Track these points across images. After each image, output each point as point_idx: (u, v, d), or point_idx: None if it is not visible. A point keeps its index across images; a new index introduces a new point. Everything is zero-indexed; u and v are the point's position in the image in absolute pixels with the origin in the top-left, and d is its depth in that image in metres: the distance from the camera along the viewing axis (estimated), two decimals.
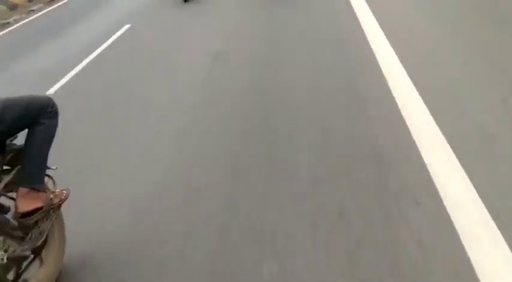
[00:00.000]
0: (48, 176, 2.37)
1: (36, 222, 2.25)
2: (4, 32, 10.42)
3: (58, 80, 5.85)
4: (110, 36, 7.49)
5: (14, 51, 8.17)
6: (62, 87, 5.62)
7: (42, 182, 2.26)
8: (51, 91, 5.48)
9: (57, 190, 2.39)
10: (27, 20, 11.29)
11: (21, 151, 2.23)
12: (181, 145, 3.54)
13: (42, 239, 2.27)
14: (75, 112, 4.63)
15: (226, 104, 4.07)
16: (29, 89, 4.46)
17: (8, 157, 2.21)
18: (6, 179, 2.18)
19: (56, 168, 2.37)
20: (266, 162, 2.99)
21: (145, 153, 3.57)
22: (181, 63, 5.51)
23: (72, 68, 6.22)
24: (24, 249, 2.17)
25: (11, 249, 2.13)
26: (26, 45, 8.46)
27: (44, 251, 2.36)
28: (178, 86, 4.80)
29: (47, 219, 2.31)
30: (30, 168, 2.20)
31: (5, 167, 2.21)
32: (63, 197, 2.38)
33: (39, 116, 2.21)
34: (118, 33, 7.59)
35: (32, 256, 2.28)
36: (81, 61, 6.47)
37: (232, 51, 5.45)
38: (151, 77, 5.28)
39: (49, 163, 2.30)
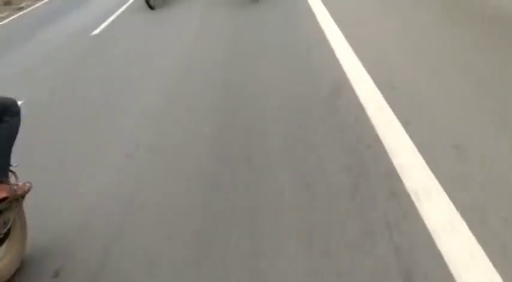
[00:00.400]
0: (11, 171, 2.57)
1: (0, 212, 2.43)
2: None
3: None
4: None
5: None
6: None
7: (6, 175, 2.46)
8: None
9: (20, 183, 2.58)
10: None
11: None
12: None
13: (6, 229, 2.46)
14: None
15: None
16: None
17: None
18: None
19: (17, 165, 2.57)
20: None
21: None
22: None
23: None
24: None
25: None
26: None
27: (6, 241, 2.53)
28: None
29: (10, 210, 2.50)
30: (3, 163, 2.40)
31: None
32: (26, 189, 2.58)
33: (2, 114, 2.41)
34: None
35: None
36: None
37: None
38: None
39: None
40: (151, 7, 8.91)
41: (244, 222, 2.39)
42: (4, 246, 2.51)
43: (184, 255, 2.28)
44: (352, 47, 4.32)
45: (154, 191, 2.93)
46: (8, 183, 2.46)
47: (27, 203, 2.65)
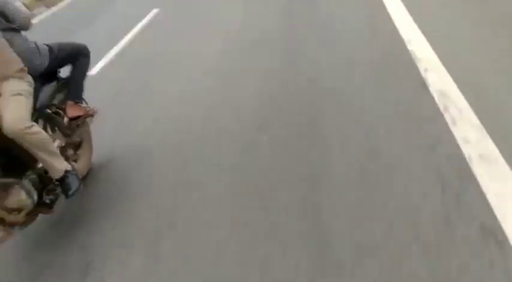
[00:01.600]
0: (83, 99, 3.54)
1: (77, 126, 3.43)
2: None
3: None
4: None
5: None
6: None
7: (82, 99, 3.44)
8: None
9: (90, 107, 3.56)
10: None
11: (67, 79, 3.40)
12: None
13: (79, 139, 3.46)
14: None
15: None
16: None
17: (60, 83, 3.38)
18: (61, 96, 3.35)
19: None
20: None
21: None
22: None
23: None
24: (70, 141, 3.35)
25: (59, 142, 3.29)
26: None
27: (80, 149, 3.53)
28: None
29: (83, 126, 3.49)
30: (74, 89, 3.37)
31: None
32: (94, 111, 3.55)
33: (78, 55, 3.37)
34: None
35: (73, 152, 3.45)
36: None
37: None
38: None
39: None
40: None
41: None
42: (79, 152, 3.51)
43: None
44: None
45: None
46: (83, 104, 3.44)
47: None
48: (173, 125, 3.93)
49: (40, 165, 2.87)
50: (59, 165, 2.81)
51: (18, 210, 2.68)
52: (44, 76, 3.16)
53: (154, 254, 2.50)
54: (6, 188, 2.59)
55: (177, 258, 2.42)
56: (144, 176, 3.33)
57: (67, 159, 3.09)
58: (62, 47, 3.29)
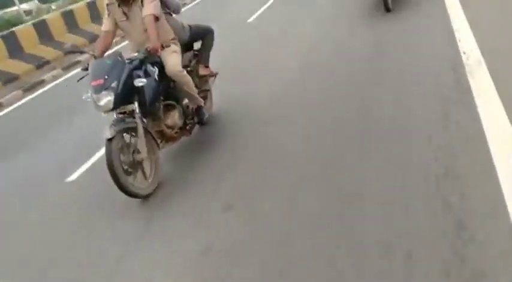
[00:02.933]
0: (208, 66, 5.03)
1: (205, 81, 4.92)
2: None
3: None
4: None
5: None
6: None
7: (208, 63, 4.94)
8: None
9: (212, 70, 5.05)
10: None
11: (198, 50, 4.91)
12: None
13: (207, 89, 4.95)
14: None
15: None
16: None
17: (194, 52, 4.90)
18: (194, 61, 4.85)
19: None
20: None
21: None
22: None
23: None
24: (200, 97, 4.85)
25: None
26: None
27: (207, 99, 5.01)
28: None
29: (208, 82, 4.98)
30: (204, 56, 4.88)
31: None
32: (216, 73, 5.04)
33: (207, 34, 4.87)
34: None
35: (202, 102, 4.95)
36: None
37: None
38: None
39: None
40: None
41: None
42: (207, 101, 4.99)
43: None
44: None
45: None
46: (208, 66, 4.95)
47: None
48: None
49: (184, 101, 4.38)
50: (198, 98, 4.30)
51: (172, 127, 4.19)
52: (184, 46, 4.68)
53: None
54: (168, 109, 4.12)
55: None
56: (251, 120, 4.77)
57: None
58: (197, 27, 4.83)
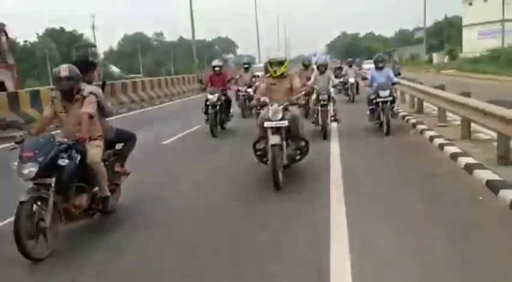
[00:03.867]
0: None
1: (118, 177, 5.67)
2: None
3: None
4: None
5: None
6: None
7: (124, 163, 5.75)
8: None
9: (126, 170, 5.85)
10: None
11: (119, 150, 5.75)
12: None
13: (117, 183, 5.69)
14: None
15: None
16: None
17: (115, 151, 5.72)
18: (113, 158, 5.65)
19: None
20: None
21: None
22: None
23: None
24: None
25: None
26: None
27: (115, 193, 5.72)
28: None
29: (120, 178, 5.74)
30: (122, 156, 5.72)
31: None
32: (128, 173, 5.83)
33: (131, 138, 5.78)
34: None
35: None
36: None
37: None
38: None
39: None
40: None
41: None
42: (116, 193, 5.68)
43: None
44: None
45: None
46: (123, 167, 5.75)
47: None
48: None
49: (95, 189, 5.07)
50: (106, 189, 5.03)
51: (78, 207, 4.82)
52: (107, 144, 5.51)
53: None
54: (79, 191, 4.79)
55: None
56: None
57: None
58: (122, 131, 5.75)
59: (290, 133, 6.48)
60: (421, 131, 9.89)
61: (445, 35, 68.53)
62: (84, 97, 4.95)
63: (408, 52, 73.16)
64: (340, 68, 19.17)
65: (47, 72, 46.82)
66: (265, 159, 6.39)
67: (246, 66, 14.67)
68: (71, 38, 69.06)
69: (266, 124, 6.17)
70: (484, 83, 20.83)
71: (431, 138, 8.89)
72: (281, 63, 6.83)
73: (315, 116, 10.23)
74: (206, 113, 11.07)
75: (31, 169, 4.27)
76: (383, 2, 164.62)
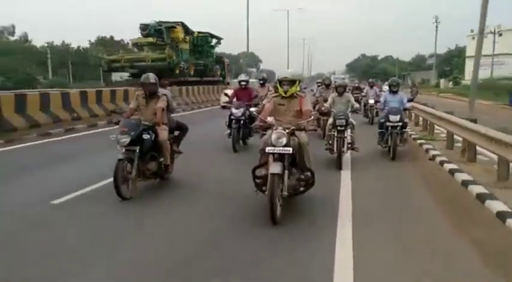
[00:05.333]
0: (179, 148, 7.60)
1: (174, 154, 7.41)
2: None
3: None
4: None
5: None
6: None
7: (179, 145, 7.50)
8: None
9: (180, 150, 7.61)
10: None
11: (176, 135, 7.49)
12: None
13: (173, 159, 7.44)
14: None
15: None
16: None
17: (174, 136, 7.48)
18: (172, 140, 7.41)
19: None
20: None
21: None
22: None
23: None
24: None
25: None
26: None
27: (170, 165, 7.48)
28: None
29: (174, 155, 7.49)
30: (178, 140, 7.48)
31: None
32: (181, 152, 7.58)
33: (184, 129, 7.53)
34: None
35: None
36: None
37: None
38: None
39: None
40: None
41: None
42: (171, 166, 7.42)
43: None
44: None
45: None
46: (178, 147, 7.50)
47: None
48: None
49: (161, 159, 6.81)
50: (168, 159, 6.80)
51: (149, 170, 6.58)
52: (169, 130, 7.25)
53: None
54: (151, 159, 6.56)
55: None
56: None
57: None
58: (179, 122, 7.53)
59: (295, 161, 5.54)
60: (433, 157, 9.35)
61: (454, 63, 69.91)
62: (159, 96, 6.77)
63: (420, 76, 74.24)
64: (359, 88, 18.55)
65: (99, 72, 49.89)
66: (264, 188, 5.34)
67: (261, 82, 12.29)
68: (119, 46, 72.36)
69: (268, 149, 5.32)
70: (461, 104, 23.83)
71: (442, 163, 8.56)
72: (293, 82, 5.82)
73: (330, 142, 8.72)
74: (230, 126, 10.27)
75: (125, 139, 6.07)
76: (406, 26, 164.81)
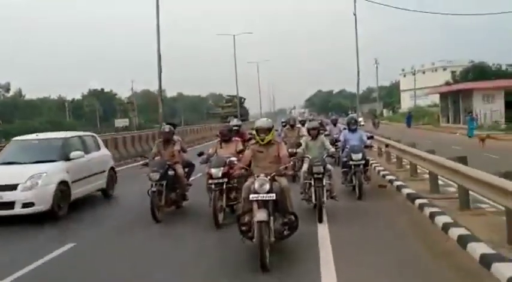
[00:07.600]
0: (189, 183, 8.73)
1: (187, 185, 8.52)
2: None
3: None
4: None
5: None
6: None
7: (189, 179, 8.61)
8: None
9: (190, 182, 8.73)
10: None
11: (187, 171, 8.63)
12: None
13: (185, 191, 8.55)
14: None
15: None
16: None
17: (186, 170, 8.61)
18: (185, 174, 8.53)
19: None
20: None
21: None
22: None
23: None
24: None
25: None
26: None
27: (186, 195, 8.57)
28: None
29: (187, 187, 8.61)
30: (188, 174, 8.59)
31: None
32: (191, 184, 8.70)
33: (191, 166, 8.66)
34: None
35: None
36: None
37: None
38: None
39: None
40: None
41: None
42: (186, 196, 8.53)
43: None
44: None
45: None
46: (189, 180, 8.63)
47: None
48: None
49: (178, 190, 7.92)
50: (184, 190, 7.96)
51: (171, 199, 7.68)
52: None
53: None
54: (173, 189, 7.70)
55: None
56: None
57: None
58: (188, 161, 8.67)
59: (278, 206, 5.22)
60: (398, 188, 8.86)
61: (394, 95, 78.35)
62: (174, 142, 8.02)
63: (368, 107, 79.45)
64: (322, 125, 13.14)
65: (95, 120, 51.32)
66: (250, 235, 5.08)
67: (235, 128, 8.72)
68: (109, 97, 73.26)
69: (252, 197, 5.06)
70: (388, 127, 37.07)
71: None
72: (268, 130, 5.63)
73: (306, 191, 7.28)
74: (210, 190, 6.86)
75: (156, 176, 7.25)
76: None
